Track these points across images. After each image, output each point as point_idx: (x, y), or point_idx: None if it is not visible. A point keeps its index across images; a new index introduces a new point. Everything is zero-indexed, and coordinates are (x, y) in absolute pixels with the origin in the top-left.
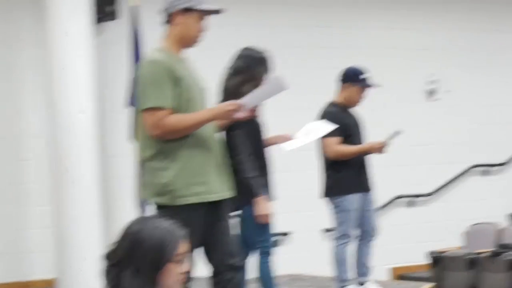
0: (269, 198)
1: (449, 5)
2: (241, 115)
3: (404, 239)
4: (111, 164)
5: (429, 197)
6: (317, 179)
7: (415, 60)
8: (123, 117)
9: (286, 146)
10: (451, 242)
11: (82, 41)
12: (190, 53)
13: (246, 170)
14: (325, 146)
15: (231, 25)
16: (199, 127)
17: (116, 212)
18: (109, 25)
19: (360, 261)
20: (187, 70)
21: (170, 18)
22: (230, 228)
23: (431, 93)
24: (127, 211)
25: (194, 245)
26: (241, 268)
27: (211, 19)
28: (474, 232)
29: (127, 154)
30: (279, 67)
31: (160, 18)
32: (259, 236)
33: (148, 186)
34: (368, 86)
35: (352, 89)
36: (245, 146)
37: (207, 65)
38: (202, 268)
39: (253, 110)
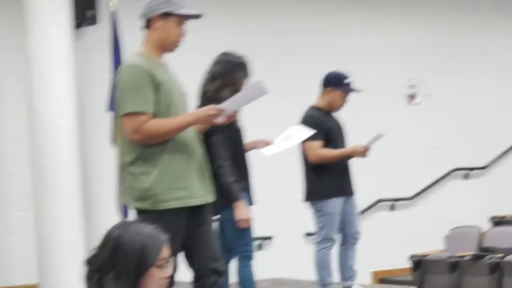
0: (249, 203)
1: (430, 9)
2: (221, 119)
3: (386, 242)
4: (91, 169)
5: (410, 200)
6: (299, 183)
7: (395, 64)
8: (104, 122)
9: (265, 151)
10: (432, 245)
11: (61, 46)
12: (169, 58)
13: (225, 174)
14: (307, 150)
15: (210, 29)
16: (180, 132)
17: (97, 217)
18: (88, 30)
19: (345, 265)
20: (167, 75)
21: (149, 23)
22: (212, 232)
23: (411, 97)
24: (109, 216)
25: (176, 250)
26: (223, 272)
27: (190, 24)
28: (455, 236)
29: (107, 159)
30: (259, 72)
31: (140, 23)
32: (239, 240)
33: (129, 191)
34: (351, 90)
35: (335, 94)
36: (225, 151)
37: (187, 70)
38: (185, 272)
39: (233, 114)
